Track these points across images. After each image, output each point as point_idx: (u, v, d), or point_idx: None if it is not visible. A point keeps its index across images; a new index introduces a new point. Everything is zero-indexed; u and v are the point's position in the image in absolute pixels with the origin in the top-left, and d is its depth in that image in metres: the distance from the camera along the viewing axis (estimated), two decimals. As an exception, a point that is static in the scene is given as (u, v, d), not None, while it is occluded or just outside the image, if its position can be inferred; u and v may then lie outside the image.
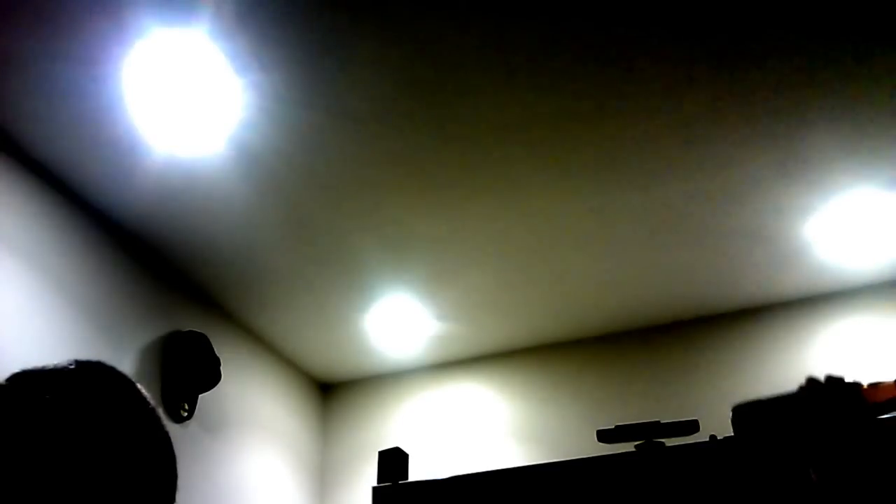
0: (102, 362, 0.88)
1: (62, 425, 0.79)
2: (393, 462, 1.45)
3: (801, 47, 2.26)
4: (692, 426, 1.36)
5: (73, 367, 0.85)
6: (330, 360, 3.92)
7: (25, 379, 0.83)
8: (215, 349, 3.21)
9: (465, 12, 2.12)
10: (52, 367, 0.85)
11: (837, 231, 3.04)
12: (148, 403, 0.88)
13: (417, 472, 1.50)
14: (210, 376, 3.14)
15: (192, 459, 3.06)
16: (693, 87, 2.38)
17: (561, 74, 2.32)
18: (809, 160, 2.68)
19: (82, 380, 0.84)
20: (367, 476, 3.78)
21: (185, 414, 3.02)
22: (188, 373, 3.05)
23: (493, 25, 2.16)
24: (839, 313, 3.38)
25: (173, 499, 0.87)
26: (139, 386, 0.89)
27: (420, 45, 2.22)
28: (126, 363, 2.83)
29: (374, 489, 1.45)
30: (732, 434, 1.21)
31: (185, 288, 3.25)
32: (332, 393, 4.16)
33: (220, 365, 3.18)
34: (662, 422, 1.35)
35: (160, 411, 0.89)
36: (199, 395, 3.14)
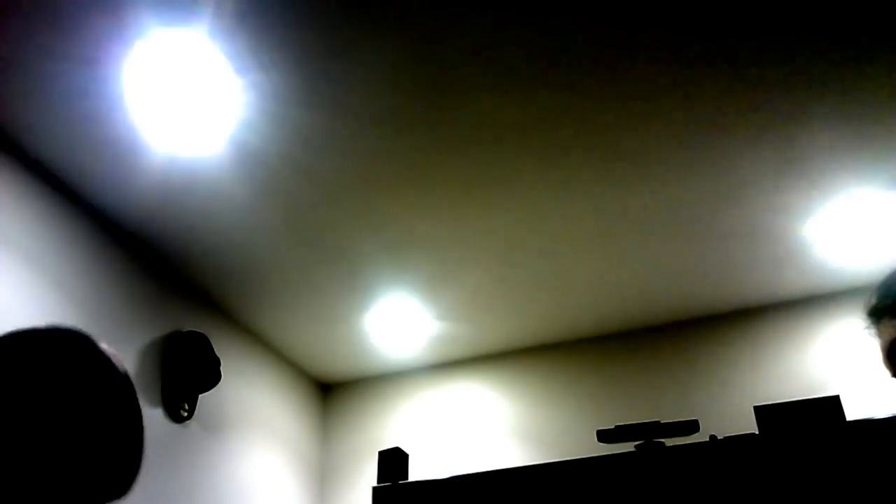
0: (65, 325, 0.96)
1: (26, 377, 0.87)
2: (393, 462, 1.45)
3: (801, 47, 2.26)
4: (692, 426, 1.37)
5: (40, 327, 0.93)
6: (330, 360, 3.92)
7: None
8: (215, 349, 3.21)
9: (465, 12, 2.12)
10: (27, 329, 0.93)
11: (837, 231, 3.04)
12: (105, 356, 0.94)
13: (417, 472, 1.50)
14: (210, 376, 3.14)
15: (192, 459, 3.06)
16: (693, 88, 2.38)
17: (561, 75, 2.32)
18: (809, 160, 2.68)
19: (45, 337, 0.92)
20: (367, 476, 3.79)
21: (185, 414, 3.02)
22: (188, 373, 3.05)
23: (494, 26, 2.16)
24: (839, 313, 3.38)
25: (142, 441, 0.91)
26: (103, 347, 0.95)
27: (420, 45, 2.22)
28: (126, 363, 2.83)
29: (374, 489, 1.45)
30: (733, 434, 1.21)
31: (185, 288, 3.25)
32: (332, 393, 4.17)
33: (220, 365, 3.18)
34: (662, 422, 1.35)
35: (123, 371, 0.96)
36: (199, 395, 3.14)
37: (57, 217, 2.67)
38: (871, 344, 1.37)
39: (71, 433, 0.85)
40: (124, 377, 0.94)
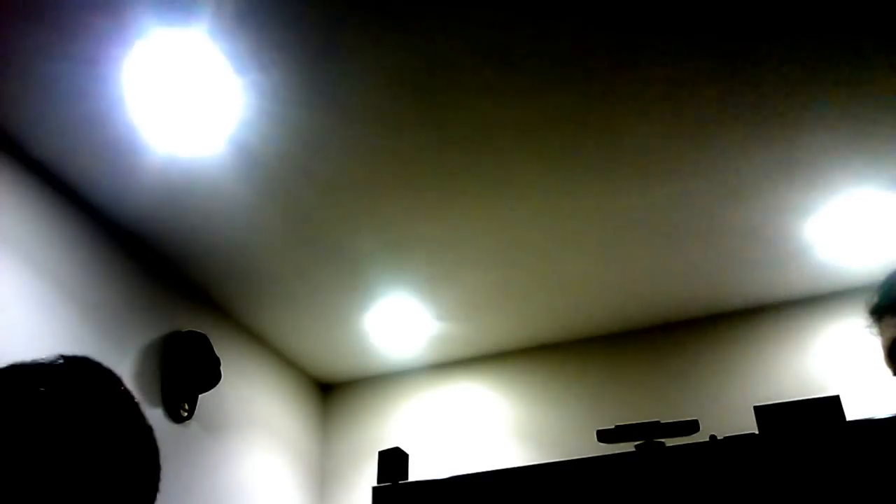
0: (88, 357, 0.90)
1: (49, 419, 0.81)
2: (393, 462, 1.45)
3: (801, 48, 2.26)
4: (692, 426, 1.36)
5: (60, 362, 0.87)
6: (330, 360, 3.92)
7: (13, 373, 0.84)
8: (215, 349, 3.21)
9: (465, 13, 2.12)
10: (39, 361, 0.86)
11: (837, 231, 3.04)
12: (131, 398, 0.90)
13: (417, 472, 1.50)
14: (210, 376, 3.14)
15: (192, 459, 3.06)
16: (693, 88, 2.38)
17: (561, 75, 2.32)
18: (809, 160, 2.68)
19: (68, 375, 0.86)
20: (367, 476, 3.78)
21: (185, 414, 3.02)
22: (188, 373, 3.05)
23: (494, 26, 2.16)
24: (839, 313, 3.38)
25: (156, 490, 0.88)
26: (122, 381, 0.91)
27: (420, 45, 2.21)
28: (126, 363, 2.83)
29: (374, 489, 1.45)
30: (733, 434, 1.21)
31: (185, 288, 3.25)
32: (332, 393, 4.16)
33: (220, 365, 3.18)
34: (662, 422, 1.35)
35: (142, 406, 0.91)
36: (199, 395, 3.14)
37: (57, 217, 2.67)
38: (872, 343, 1.37)
39: (87, 472, 0.80)
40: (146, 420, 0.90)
